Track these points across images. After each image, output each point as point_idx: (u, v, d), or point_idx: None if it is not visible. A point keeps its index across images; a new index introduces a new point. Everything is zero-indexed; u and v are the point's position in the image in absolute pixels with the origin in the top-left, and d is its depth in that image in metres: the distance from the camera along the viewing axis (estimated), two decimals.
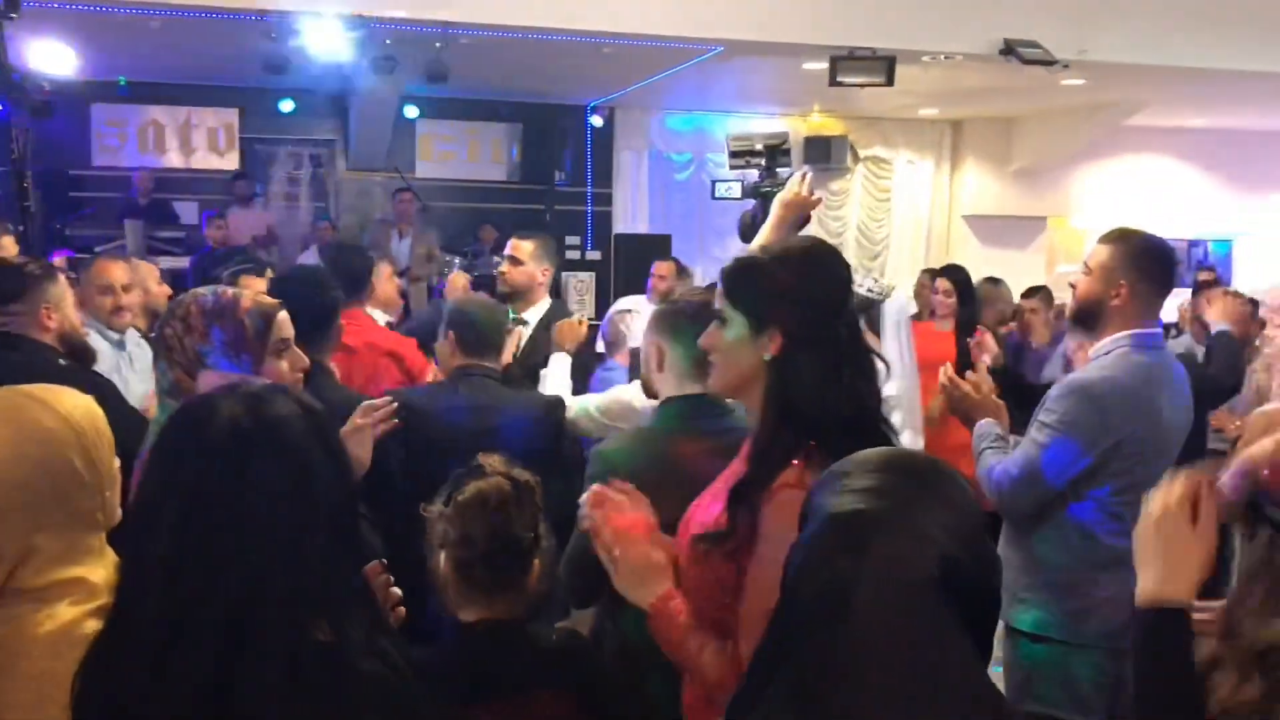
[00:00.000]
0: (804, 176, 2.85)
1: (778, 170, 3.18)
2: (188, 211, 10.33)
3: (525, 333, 4.22)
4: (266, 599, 1.33)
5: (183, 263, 8.25)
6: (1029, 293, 6.86)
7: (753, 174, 3.26)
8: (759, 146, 3.19)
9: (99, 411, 1.66)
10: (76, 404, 1.64)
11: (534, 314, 4.33)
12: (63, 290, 3.03)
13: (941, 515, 1.28)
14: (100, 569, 1.59)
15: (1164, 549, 1.57)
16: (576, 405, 3.42)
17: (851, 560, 1.25)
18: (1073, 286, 3.00)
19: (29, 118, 6.24)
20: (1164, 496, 1.61)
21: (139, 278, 4.24)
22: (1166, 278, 2.95)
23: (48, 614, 1.54)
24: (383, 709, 1.37)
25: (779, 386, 1.85)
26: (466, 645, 2.03)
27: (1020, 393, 3.50)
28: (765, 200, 2.93)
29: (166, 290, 4.51)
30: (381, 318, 4.80)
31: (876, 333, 4.14)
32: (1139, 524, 1.65)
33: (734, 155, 3.33)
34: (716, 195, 3.56)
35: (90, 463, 1.61)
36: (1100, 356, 2.91)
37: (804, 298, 1.87)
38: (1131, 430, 2.80)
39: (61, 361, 2.94)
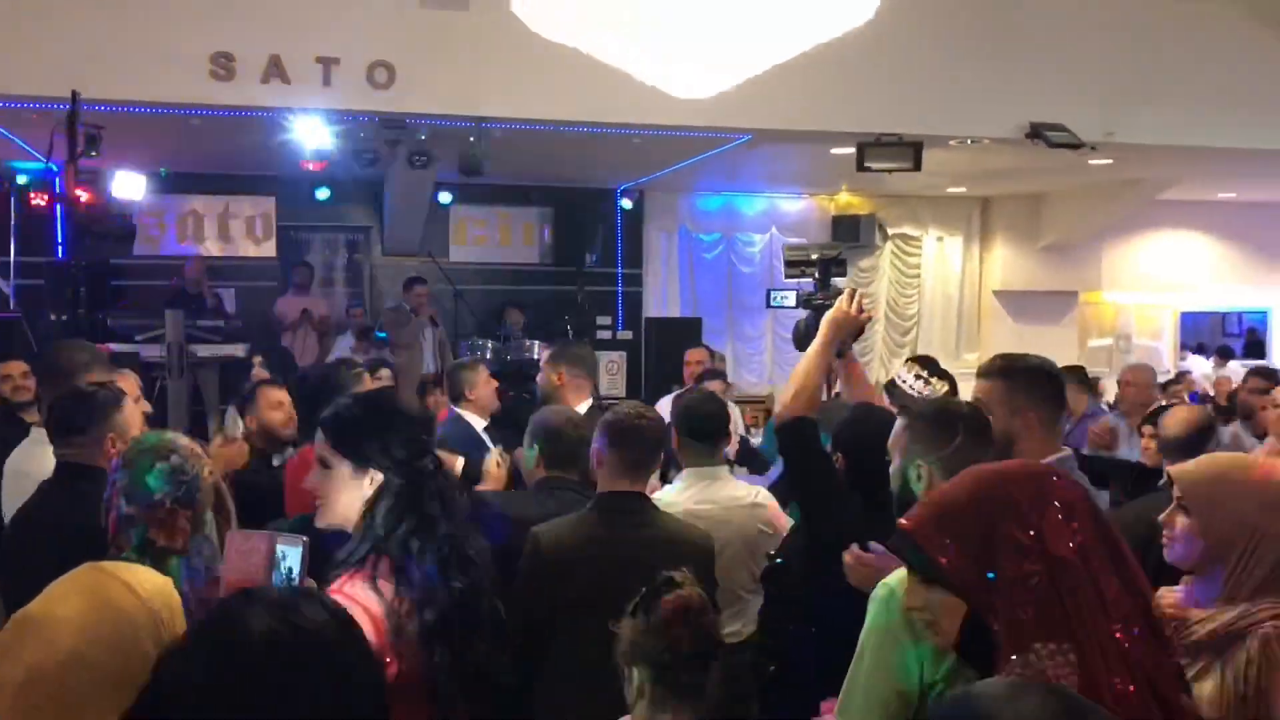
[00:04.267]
0: (853, 294, 2.88)
1: (832, 281, 3.21)
2: (227, 299, 10.48)
3: None
4: None
5: (226, 350, 8.36)
6: (1257, 372, 5.86)
7: (808, 283, 3.30)
8: (814, 257, 3.23)
9: (174, 591, 1.67)
10: (154, 584, 1.64)
11: None
12: (127, 416, 2.96)
13: None
14: None
15: None
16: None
17: None
18: None
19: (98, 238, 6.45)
20: None
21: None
22: None
23: None
24: None
25: None
26: None
27: None
28: (818, 311, 2.96)
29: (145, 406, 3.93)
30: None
31: None
32: None
33: (789, 265, 3.38)
34: (771, 304, 3.61)
35: (161, 645, 1.58)
36: None
37: None
38: None
39: None
